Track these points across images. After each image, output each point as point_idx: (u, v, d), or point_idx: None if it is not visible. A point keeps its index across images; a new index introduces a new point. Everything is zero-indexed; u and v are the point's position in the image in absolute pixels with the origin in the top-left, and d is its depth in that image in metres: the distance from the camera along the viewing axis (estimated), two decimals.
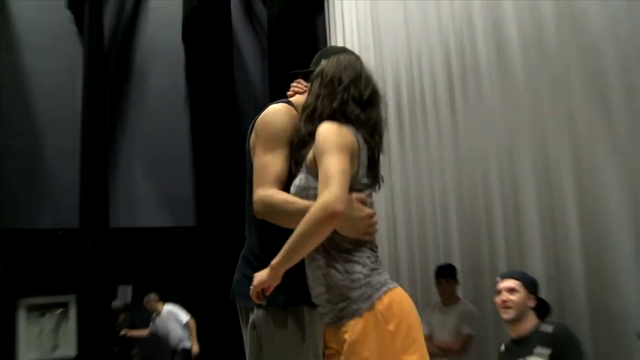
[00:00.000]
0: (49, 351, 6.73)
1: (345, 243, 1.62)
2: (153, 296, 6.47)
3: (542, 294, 2.94)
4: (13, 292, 6.56)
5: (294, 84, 1.95)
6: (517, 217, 3.64)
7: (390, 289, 1.60)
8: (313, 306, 1.71)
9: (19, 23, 6.43)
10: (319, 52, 1.96)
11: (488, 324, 3.80)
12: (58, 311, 6.84)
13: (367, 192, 1.69)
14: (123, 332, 6.37)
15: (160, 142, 6.80)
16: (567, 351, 2.51)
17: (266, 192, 1.67)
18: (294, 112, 1.80)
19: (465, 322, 3.73)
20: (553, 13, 3.37)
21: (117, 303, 6.44)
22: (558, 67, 3.33)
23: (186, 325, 6.28)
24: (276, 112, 1.79)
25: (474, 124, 4.06)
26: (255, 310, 1.72)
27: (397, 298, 1.60)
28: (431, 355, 1.69)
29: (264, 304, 1.66)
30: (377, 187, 1.75)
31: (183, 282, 6.86)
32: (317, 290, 1.65)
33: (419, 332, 1.61)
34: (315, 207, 1.52)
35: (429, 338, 3.65)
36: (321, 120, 1.67)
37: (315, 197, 1.57)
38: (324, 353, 1.76)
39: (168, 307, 6.40)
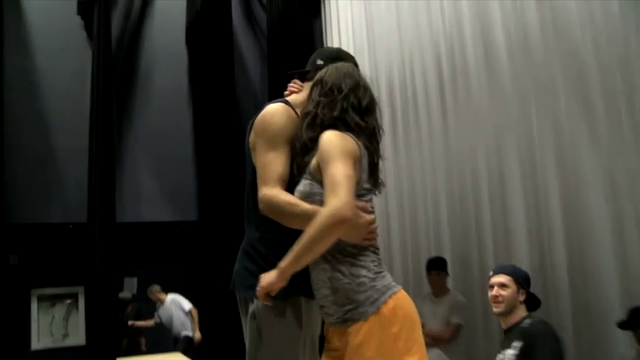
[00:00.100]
0: (60, 339, 6.89)
1: (349, 247, 1.63)
2: (155, 287, 6.64)
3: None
4: (26, 282, 6.70)
5: (291, 84, 1.97)
6: (504, 212, 3.74)
7: (394, 293, 1.62)
8: (310, 296, 1.74)
9: (31, 28, 6.47)
10: (315, 53, 1.98)
11: (477, 314, 3.90)
12: (68, 301, 6.98)
13: (368, 196, 1.71)
14: (130, 323, 6.51)
15: (164, 141, 6.83)
16: (537, 344, 2.50)
17: (270, 191, 1.68)
18: (292, 110, 1.82)
19: (454, 312, 3.82)
20: (538, 20, 3.48)
21: (125, 294, 6.59)
22: (543, 71, 3.44)
23: (189, 313, 6.43)
24: (274, 112, 1.80)
25: (463, 124, 4.14)
26: (254, 300, 1.72)
27: (401, 302, 1.63)
28: None
29: (270, 304, 1.67)
30: (377, 192, 1.79)
31: (186, 274, 6.95)
32: (322, 292, 1.66)
33: (419, 333, 1.66)
34: (324, 213, 1.53)
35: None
36: (322, 127, 1.69)
37: (320, 203, 1.59)
38: (322, 345, 1.79)
39: (172, 296, 6.57)
